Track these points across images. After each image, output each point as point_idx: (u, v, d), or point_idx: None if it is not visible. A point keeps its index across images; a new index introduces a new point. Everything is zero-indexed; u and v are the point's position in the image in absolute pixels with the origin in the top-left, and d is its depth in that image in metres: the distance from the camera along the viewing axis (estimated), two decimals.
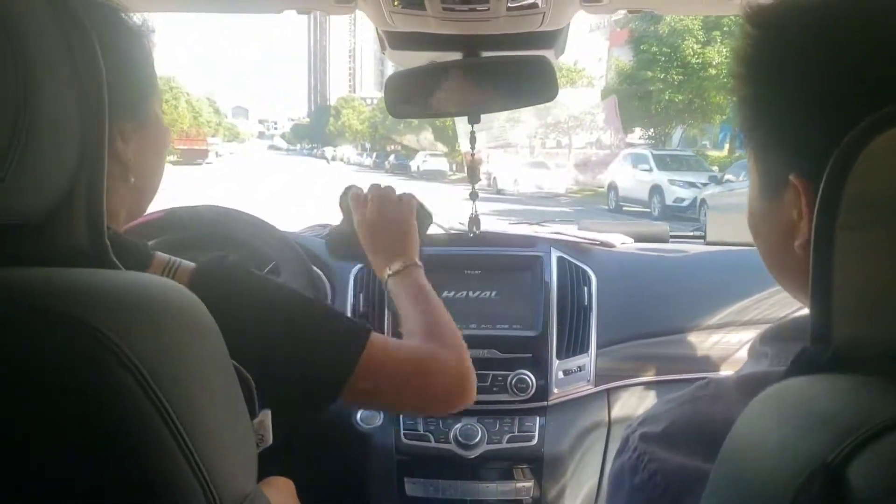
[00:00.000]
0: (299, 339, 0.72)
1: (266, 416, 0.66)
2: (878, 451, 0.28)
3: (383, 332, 1.30)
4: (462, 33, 1.03)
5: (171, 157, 41.42)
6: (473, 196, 1.29)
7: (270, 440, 0.67)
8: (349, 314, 1.34)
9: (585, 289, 1.36)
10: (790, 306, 1.34)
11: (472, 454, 1.28)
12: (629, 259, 1.50)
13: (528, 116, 24.11)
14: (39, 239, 0.47)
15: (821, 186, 0.39)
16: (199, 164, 39.79)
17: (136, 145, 0.66)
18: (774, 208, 0.50)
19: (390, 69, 1.19)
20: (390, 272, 0.96)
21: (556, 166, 20.53)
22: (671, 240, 1.70)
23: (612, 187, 15.86)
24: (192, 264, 0.71)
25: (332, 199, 1.11)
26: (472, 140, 1.18)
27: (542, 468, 1.30)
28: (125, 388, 0.41)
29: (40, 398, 0.40)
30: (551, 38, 1.05)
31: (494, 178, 20.13)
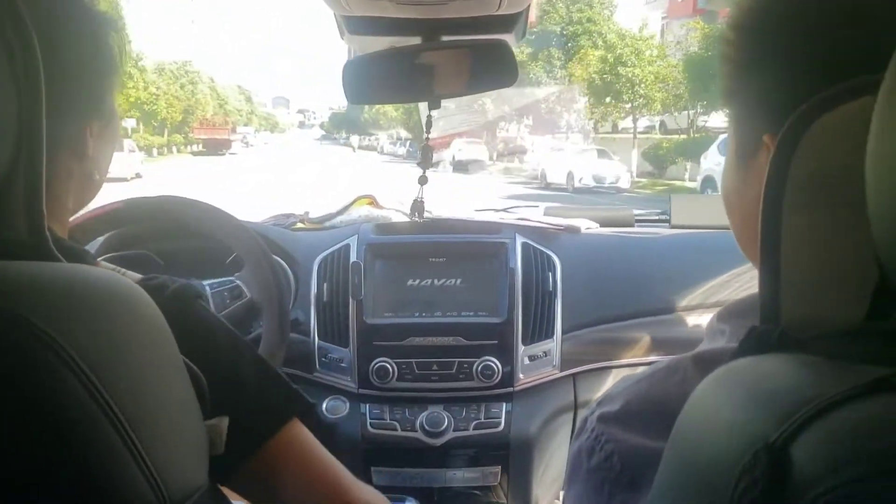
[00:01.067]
0: (225, 385, 0.60)
1: (222, 422, 0.61)
2: (820, 429, 0.28)
3: (348, 320, 1.31)
4: (421, 17, 1.01)
5: (193, 147, 37.53)
6: (422, 181, 1.28)
7: (223, 449, 0.59)
8: (312, 304, 1.33)
9: (550, 274, 1.36)
10: (748, 289, 1.33)
11: (439, 442, 1.29)
12: (594, 244, 1.50)
13: (574, 94, 22.11)
14: None
15: (768, 165, 0.38)
16: (223, 153, 38.20)
17: (99, 142, 0.65)
18: (749, 176, 0.49)
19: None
20: None
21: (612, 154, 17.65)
22: (636, 223, 1.70)
23: (710, 183, 12.02)
24: (136, 276, 0.65)
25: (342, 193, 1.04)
26: (428, 125, 1.17)
27: (509, 454, 1.30)
28: (64, 385, 0.40)
29: None
30: (510, 22, 1.03)
31: (543, 170, 18.03)
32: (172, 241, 1.37)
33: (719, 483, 0.30)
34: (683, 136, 19.58)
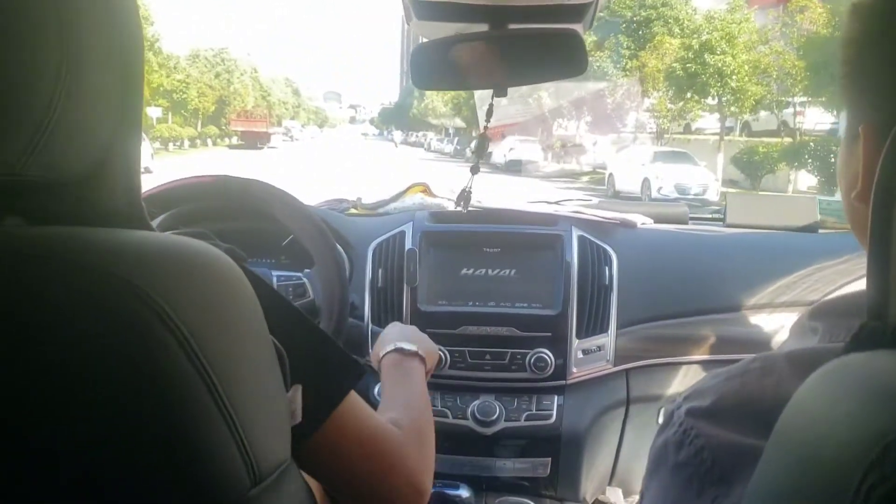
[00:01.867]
0: (290, 356, 0.57)
1: (297, 391, 0.62)
2: None
3: (402, 308, 1.32)
4: (490, 4, 1.00)
5: (230, 140, 36.63)
6: (474, 171, 1.26)
7: (300, 417, 0.61)
8: (367, 290, 1.34)
9: (606, 268, 1.34)
10: (814, 290, 1.34)
11: (490, 431, 1.29)
12: (650, 239, 1.48)
13: (646, 88, 19.78)
14: (77, 198, 0.47)
15: (880, 161, 0.37)
16: (260, 148, 36.07)
17: None
18: (849, 160, 0.49)
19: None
20: (388, 350, 0.92)
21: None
22: (690, 221, 1.67)
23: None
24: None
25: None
26: (489, 113, 1.15)
27: (560, 447, 1.30)
28: (168, 350, 0.41)
29: (83, 356, 0.40)
30: (581, 11, 1.02)
31: (611, 174, 16.14)
32: (228, 220, 1.37)
33: (840, 479, 0.29)
34: (788, 139, 16.35)
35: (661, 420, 0.52)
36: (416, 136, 50.40)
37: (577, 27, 1.06)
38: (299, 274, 1.25)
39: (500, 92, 1.10)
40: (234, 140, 38.81)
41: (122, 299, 0.40)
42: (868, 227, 0.38)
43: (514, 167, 19.95)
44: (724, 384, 0.50)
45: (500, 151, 20.74)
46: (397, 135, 54.63)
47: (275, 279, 1.22)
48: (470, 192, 1.35)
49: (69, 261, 0.41)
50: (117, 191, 0.48)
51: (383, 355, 0.93)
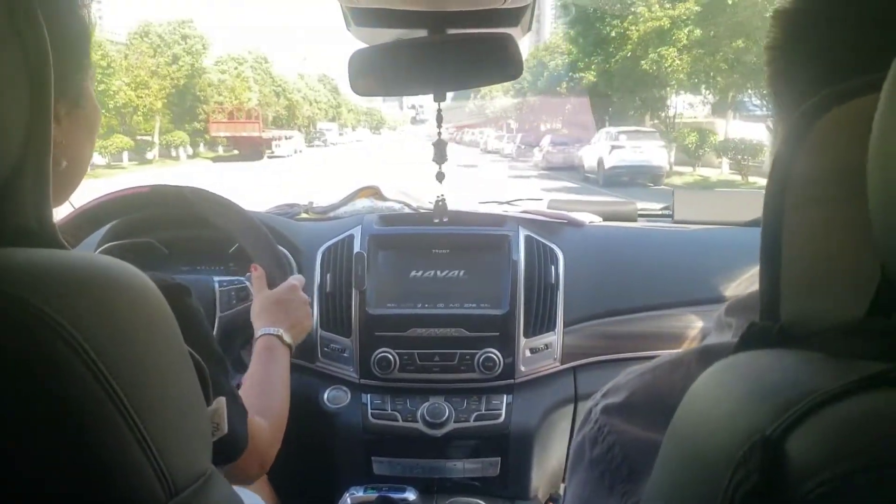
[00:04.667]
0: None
1: (221, 403, 0.66)
2: (816, 423, 0.28)
3: (351, 311, 1.32)
4: (427, 9, 1.01)
5: (215, 150, 29.31)
6: (440, 177, 1.26)
7: (226, 429, 0.67)
8: (316, 294, 1.34)
9: (553, 267, 1.36)
10: (754, 285, 1.31)
11: (440, 432, 1.29)
12: (597, 237, 1.50)
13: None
14: None
15: (771, 162, 0.39)
16: (260, 158, 28.00)
17: (69, 126, 0.61)
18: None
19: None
20: (261, 333, 1.06)
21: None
22: (639, 218, 1.69)
23: None
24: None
25: None
26: (439, 118, 1.17)
27: (509, 445, 1.31)
28: (70, 368, 0.40)
29: None
30: (516, 15, 1.03)
31: (580, 157, 17.08)
32: (176, 230, 1.39)
33: (715, 475, 0.30)
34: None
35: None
36: (472, 133, 41.94)
37: (515, 31, 1.07)
38: (241, 278, 1.25)
39: (440, 96, 1.11)
40: (222, 150, 31.33)
41: (27, 322, 0.40)
42: (761, 226, 0.39)
43: (615, 178, 16.22)
44: (638, 380, 0.51)
45: (593, 153, 17.23)
46: (443, 132, 49.79)
47: (216, 284, 1.21)
48: (444, 202, 1.35)
49: None
50: (27, 210, 0.47)
51: (258, 335, 1.05)
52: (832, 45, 0.45)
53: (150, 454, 0.43)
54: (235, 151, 29.96)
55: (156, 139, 25.68)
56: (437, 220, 1.38)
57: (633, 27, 19.48)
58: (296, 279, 1.17)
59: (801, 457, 0.27)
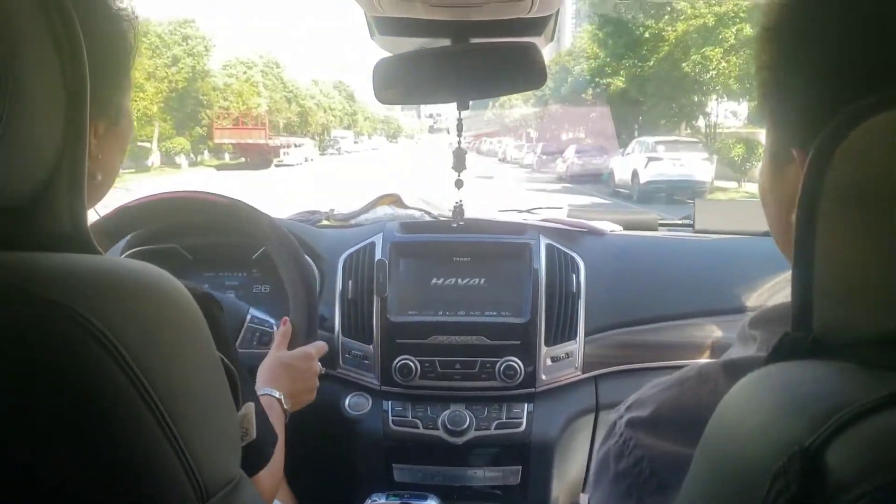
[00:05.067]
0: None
1: (249, 409, 0.67)
2: (854, 434, 0.28)
3: (372, 319, 1.32)
4: (451, 19, 1.01)
5: (221, 158, 26.67)
6: (458, 185, 1.27)
7: (254, 435, 0.68)
8: (337, 301, 1.35)
9: (574, 276, 1.36)
10: (782, 295, 1.35)
11: (461, 440, 1.30)
12: (618, 246, 1.50)
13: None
14: (22, 223, 0.47)
15: (804, 171, 0.38)
16: (268, 166, 26.21)
17: (106, 142, 0.63)
18: (778, 182, 0.49)
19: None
20: (262, 392, 1.04)
21: None
22: (660, 227, 1.69)
23: None
24: None
25: None
26: (460, 127, 1.17)
27: (530, 454, 1.31)
28: (106, 371, 0.41)
29: (19, 381, 0.40)
30: (540, 25, 1.04)
31: (611, 170, 15.29)
32: (200, 236, 1.40)
33: (751, 487, 0.30)
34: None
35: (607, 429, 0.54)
36: (490, 142, 39.12)
37: (539, 40, 1.07)
38: (273, 322, 1.22)
39: (462, 105, 1.12)
40: (229, 157, 28.99)
41: (62, 325, 0.40)
42: (792, 241, 0.39)
43: (649, 194, 14.22)
44: (663, 394, 0.51)
45: (625, 165, 15.42)
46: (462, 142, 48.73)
47: (249, 316, 1.20)
48: (462, 207, 1.35)
49: (9, 286, 0.41)
50: (62, 216, 0.48)
51: (260, 393, 1.02)
52: (836, 60, 0.44)
53: (183, 458, 0.44)
54: (242, 159, 28.15)
55: (154, 146, 24.18)
56: (454, 224, 1.38)
57: (669, 27, 18.46)
58: (314, 347, 1.15)
59: (840, 468, 0.27)
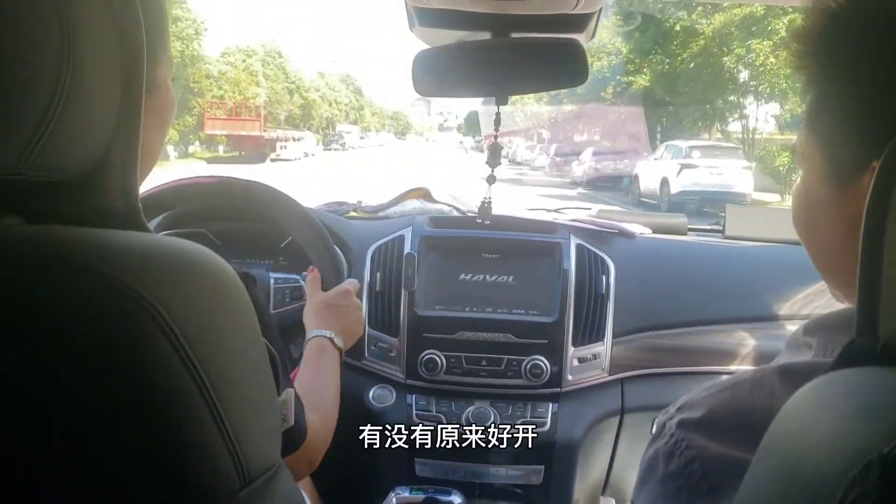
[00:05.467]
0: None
1: (289, 395, 0.67)
2: None
3: (399, 312, 1.33)
4: (493, 12, 1.00)
5: (215, 150, 25.13)
6: (490, 180, 1.25)
7: (292, 421, 0.69)
8: (365, 293, 1.35)
9: (603, 277, 1.35)
10: (812, 304, 1.34)
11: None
12: (648, 249, 1.49)
13: None
14: (75, 199, 0.47)
15: (873, 178, 0.38)
16: (270, 160, 24.74)
17: (147, 116, 0.59)
18: (845, 197, 0.48)
19: None
20: (313, 335, 1.08)
21: None
22: (689, 232, 1.68)
23: None
24: None
25: None
26: (497, 122, 1.16)
27: (553, 454, 1.30)
28: (161, 350, 0.41)
29: (76, 355, 0.40)
30: (583, 21, 1.02)
31: (636, 175, 13.77)
32: (228, 221, 1.40)
33: (820, 493, 0.29)
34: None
35: (654, 430, 0.53)
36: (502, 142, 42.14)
37: (580, 37, 1.06)
38: (297, 276, 1.26)
39: (502, 100, 1.11)
40: (223, 150, 27.40)
41: (117, 300, 0.40)
42: (859, 247, 0.38)
43: (680, 204, 12.28)
44: (716, 396, 0.50)
45: (651, 174, 13.79)
46: (468, 141, 47.24)
47: (272, 280, 1.22)
48: (490, 203, 1.33)
49: (66, 261, 0.41)
50: (115, 192, 0.48)
51: (310, 336, 1.08)
52: (882, 65, 0.43)
53: (228, 440, 0.44)
54: (237, 153, 26.55)
55: None
56: (479, 221, 1.38)
57: (703, 20, 17.00)
58: (350, 283, 1.18)
59: None
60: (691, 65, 17.42)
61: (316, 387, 1.00)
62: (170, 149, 23.23)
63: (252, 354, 0.51)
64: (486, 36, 1.05)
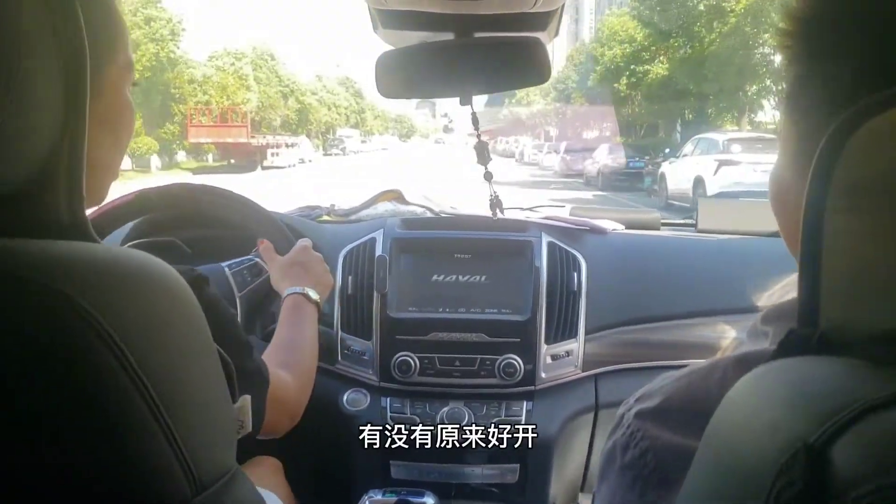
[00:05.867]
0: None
1: (246, 401, 0.67)
2: (861, 432, 0.28)
3: (372, 313, 1.32)
4: (455, 13, 1.01)
5: (202, 159, 24.10)
6: (488, 177, 1.27)
7: (250, 427, 0.69)
8: (337, 297, 1.34)
9: (575, 274, 1.35)
10: (784, 295, 1.32)
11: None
12: (620, 245, 1.49)
13: None
14: (19, 210, 0.46)
15: (811, 166, 0.38)
16: (261, 168, 23.65)
17: (98, 124, 0.57)
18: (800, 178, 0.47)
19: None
20: (287, 293, 1.08)
21: None
22: (662, 227, 1.68)
23: None
24: None
25: None
26: (475, 121, 1.17)
27: (528, 452, 1.30)
28: (102, 361, 0.41)
29: (16, 368, 0.40)
30: (545, 20, 1.03)
31: (662, 174, 12.47)
32: (199, 228, 1.39)
33: (755, 482, 0.30)
34: None
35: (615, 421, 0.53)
36: (507, 142, 37.39)
37: (542, 35, 1.06)
38: (249, 256, 1.25)
39: (466, 100, 1.11)
40: (212, 159, 26.10)
41: (56, 312, 0.40)
42: (799, 237, 0.38)
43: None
44: (672, 385, 0.50)
45: (678, 173, 12.38)
46: (472, 141, 47.23)
47: (227, 269, 1.21)
48: (497, 198, 1.34)
49: (4, 272, 0.41)
50: (60, 202, 0.47)
51: (285, 296, 1.08)
52: (866, 52, 0.43)
53: (177, 449, 0.44)
54: (226, 161, 25.09)
55: None
56: (494, 218, 1.38)
57: None
58: (304, 241, 1.19)
59: (845, 466, 0.27)
60: (721, 47, 15.78)
61: (292, 341, 1.01)
62: (153, 159, 22.14)
63: (202, 361, 0.50)
64: (450, 37, 1.05)
